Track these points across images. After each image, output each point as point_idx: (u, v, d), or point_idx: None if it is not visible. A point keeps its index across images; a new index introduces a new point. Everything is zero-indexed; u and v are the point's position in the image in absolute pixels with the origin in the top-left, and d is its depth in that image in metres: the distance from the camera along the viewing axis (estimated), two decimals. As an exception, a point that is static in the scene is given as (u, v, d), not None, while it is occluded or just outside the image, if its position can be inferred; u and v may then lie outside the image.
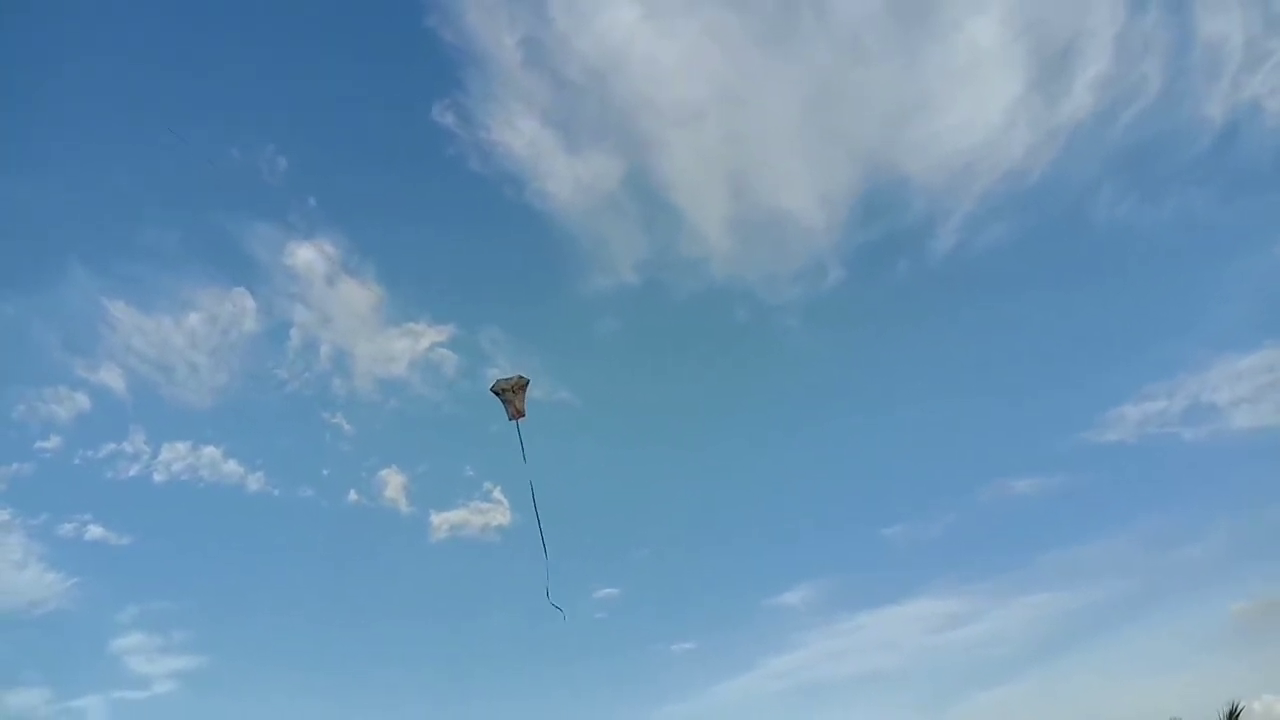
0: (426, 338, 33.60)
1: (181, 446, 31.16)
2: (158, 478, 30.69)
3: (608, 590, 33.14)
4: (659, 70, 34.83)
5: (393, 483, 32.91)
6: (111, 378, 30.83)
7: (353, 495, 32.44)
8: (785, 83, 35.18)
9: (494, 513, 33.42)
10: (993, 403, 36.03)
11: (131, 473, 30.48)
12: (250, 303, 32.52)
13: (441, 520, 33.05)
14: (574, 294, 36.52)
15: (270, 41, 35.13)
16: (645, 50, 34.58)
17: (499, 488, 33.51)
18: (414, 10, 33.89)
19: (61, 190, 31.92)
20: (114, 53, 33.39)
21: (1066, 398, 35.24)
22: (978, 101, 34.80)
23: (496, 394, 15.53)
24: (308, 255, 32.92)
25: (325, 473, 32.62)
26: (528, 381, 15.54)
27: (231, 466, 31.45)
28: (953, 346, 36.83)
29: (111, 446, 30.41)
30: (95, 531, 29.71)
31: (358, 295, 33.49)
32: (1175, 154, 34.24)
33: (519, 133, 34.62)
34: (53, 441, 29.72)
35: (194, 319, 31.83)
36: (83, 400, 30.30)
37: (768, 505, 35.76)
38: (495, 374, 34.24)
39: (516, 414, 15.56)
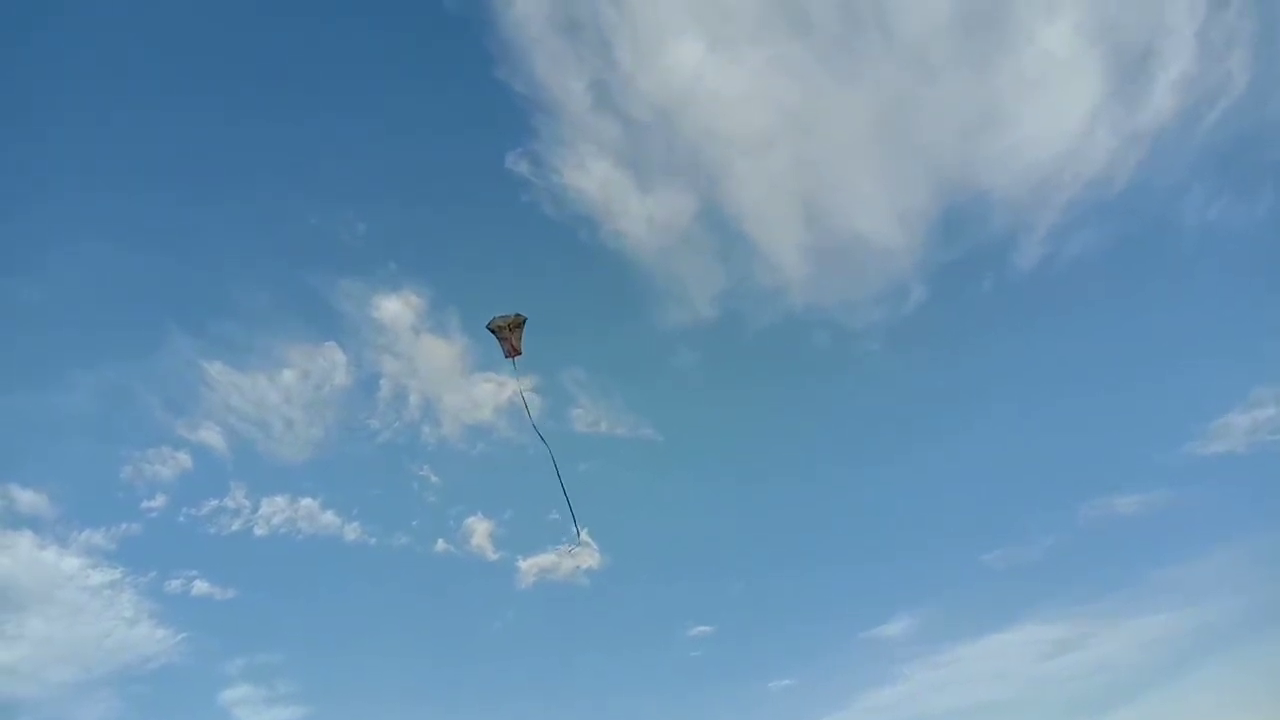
0: (509, 391, 33.81)
1: (280, 500, 31.91)
2: (258, 531, 31.43)
3: (702, 628, 32.73)
4: (726, 102, 34.93)
5: (479, 530, 33.12)
6: (211, 436, 31.74)
7: (441, 544, 32.69)
8: (854, 105, 34.99)
9: (583, 556, 33.30)
10: (1090, 417, 34.74)
11: (234, 528, 31.24)
12: (340, 356, 33.30)
13: (529, 565, 33.08)
14: (652, 330, 36.62)
15: (345, 105, 36.19)
16: (711, 84, 34.75)
17: (586, 530, 33.31)
18: (483, 63, 34.40)
19: (157, 257, 33.01)
20: (191, 122, 34.56)
21: (1169, 408, 33.85)
22: (1055, 111, 34.10)
23: (493, 331, 15.44)
24: (393, 308, 33.63)
25: (415, 523, 32.91)
26: (525, 319, 15.39)
27: (329, 517, 32.10)
28: (1044, 362, 35.84)
29: (214, 503, 31.22)
30: (201, 587, 30.45)
31: (442, 345, 34.04)
32: (1266, 150, 32.93)
33: (591, 175, 34.97)
34: (158, 501, 30.64)
35: (287, 375, 32.70)
36: (185, 459, 31.21)
37: (861, 534, 35.07)
38: (580, 414, 35.44)
39: (513, 351, 15.45)
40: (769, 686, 31.70)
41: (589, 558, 33.35)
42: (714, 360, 36.78)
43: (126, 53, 34.19)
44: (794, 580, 34.68)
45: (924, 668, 31.40)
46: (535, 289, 37.30)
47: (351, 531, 32.15)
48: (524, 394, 15.73)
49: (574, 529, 17.21)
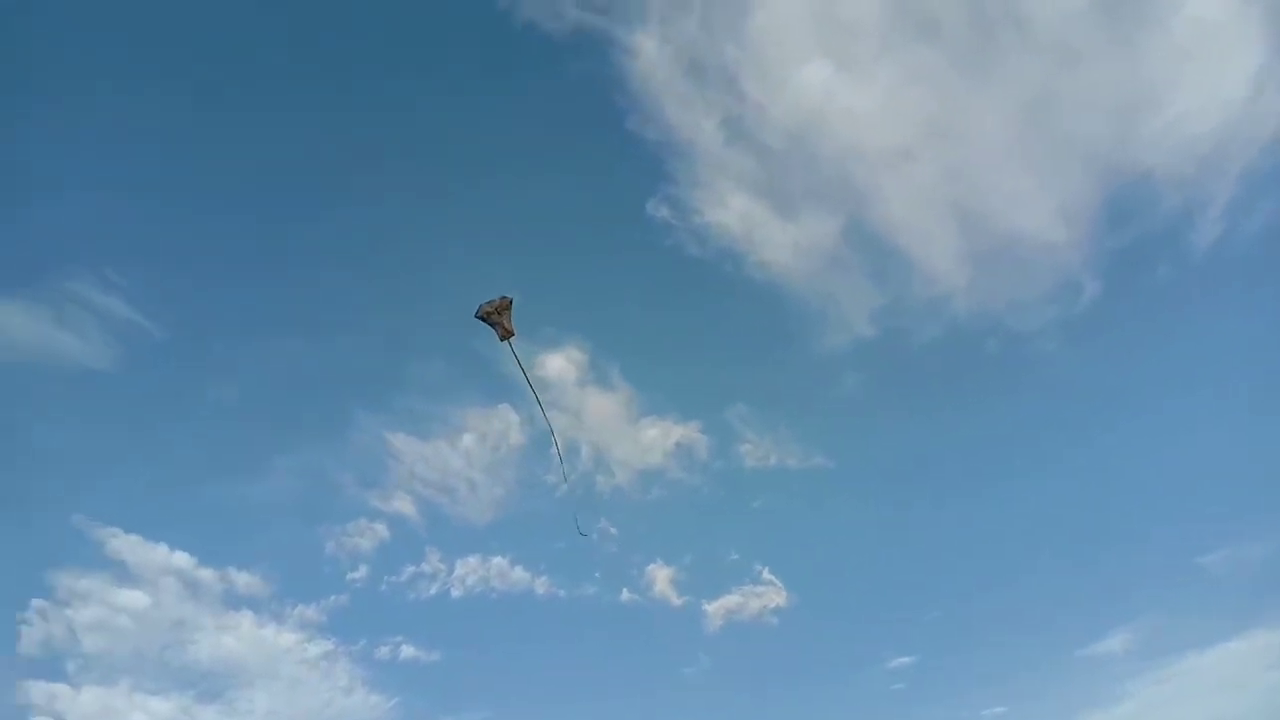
0: (676, 433, 34.08)
1: (473, 560, 32.88)
2: (455, 593, 32.42)
3: (902, 659, 31.68)
4: (861, 120, 34.56)
5: (660, 577, 33.10)
6: (403, 505, 33.07)
7: (625, 593, 32.83)
8: (996, 103, 34.00)
9: (768, 595, 32.85)
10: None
11: (432, 591, 32.32)
12: (514, 416, 34.27)
13: (716, 608, 32.81)
14: (812, 356, 36.19)
15: (490, 180, 37.64)
16: (843, 103, 34.47)
17: (767, 568, 33.06)
18: (615, 118, 35.27)
19: (336, 341, 35.04)
20: (356, 204, 36.63)
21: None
22: (1214, 79, 32.19)
23: (483, 319, 15.28)
24: (557, 364, 34.43)
25: (597, 574, 33.25)
26: (511, 300, 15.26)
27: (519, 573, 32.82)
28: (1236, 344, 33.32)
29: (411, 569, 32.42)
30: (408, 651, 31.50)
31: (606, 395, 34.61)
32: None
33: (730, 209, 35.21)
34: (361, 571, 32.01)
35: (467, 439, 33.86)
36: (382, 530, 32.60)
37: (1061, 546, 33.24)
38: (748, 449, 35.24)
39: (506, 334, 15.29)
40: (981, 715, 30.29)
41: (776, 596, 32.90)
42: (879, 380, 36.12)
43: (297, 151, 36.36)
44: (994, 601, 33.13)
45: (1147, 684, 29.59)
46: (687, 329, 37.70)
47: (541, 585, 32.79)
48: (527, 374, 15.60)
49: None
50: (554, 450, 16.78)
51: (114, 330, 31.55)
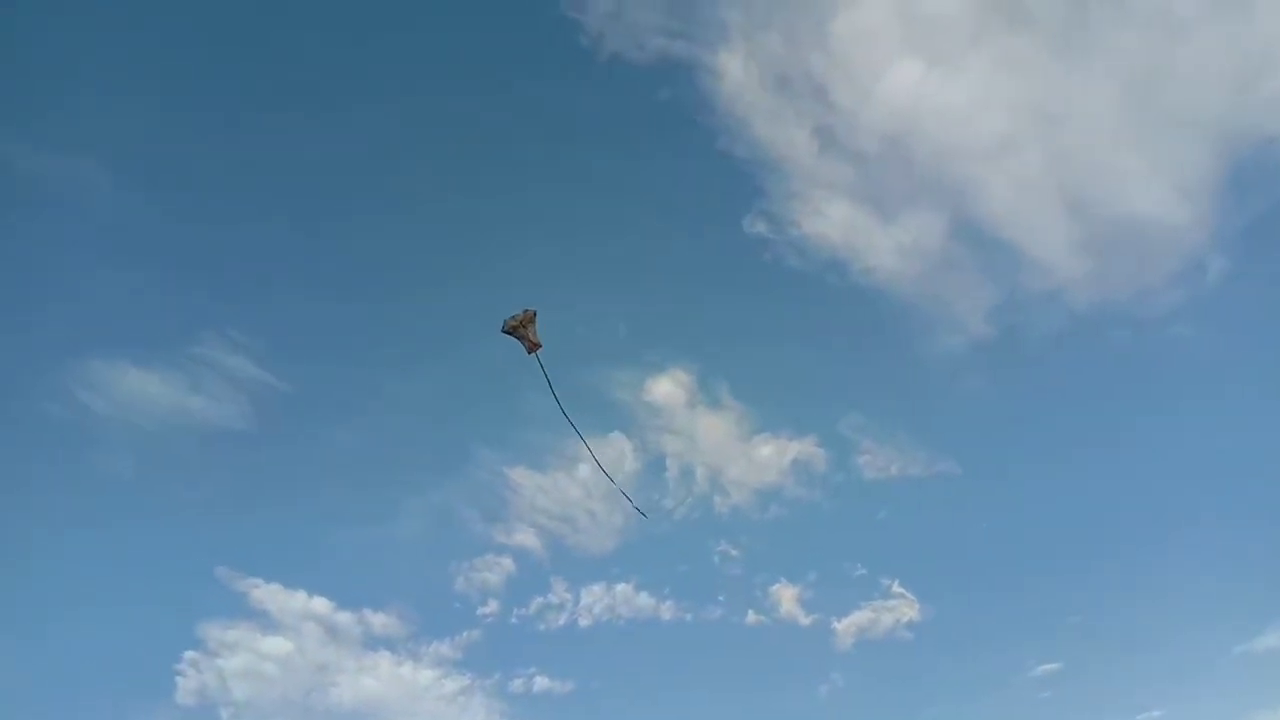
0: (791, 448, 33.63)
1: (597, 588, 32.95)
2: (583, 622, 32.52)
3: (1048, 665, 30.58)
4: (957, 114, 33.65)
5: (785, 596, 32.56)
6: (526, 538, 33.37)
7: (751, 615, 32.41)
8: (1099, 84, 32.71)
9: (900, 608, 32.01)
10: None
11: (560, 622, 32.47)
12: (626, 443, 34.30)
13: (845, 626, 32.07)
14: (926, 361, 35.25)
15: (585, 214, 37.98)
16: (937, 100, 33.64)
17: (896, 581, 32.25)
18: (705, 139, 35.13)
19: (454, 382, 35.56)
20: (448, 250, 37.45)
21: None
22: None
23: (509, 333, 14.89)
24: (665, 388, 34.35)
25: (721, 597, 32.91)
26: (535, 313, 14.83)
27: (644, 599, 32.73)
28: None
29: (539, 600, 32.63)
30: (542, 683, 31.68)
31: (716, 415, 34.35)
32: None
33: (829, 219, 34.55)
34: (491, 606, 32.35)
35: (583, 470, 33.93)
36: (508, 563, 32.94)
37: (1210, 536, 31.56)
38: (867, 460, 34.48)
39: (533, 346, 14.87)
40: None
41: (908, 609, 32.02)
42: (1000, 378, 34.97)
43: (400, 199, 37.50)
44: (1141, 599, 31.69)
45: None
46: (794, 342, 37.15)
47: (666, 611, 32.62)
48: (550, 383, 15.27)
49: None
50: (595, 460, 16.92)
51: (244, 389, 32.80)
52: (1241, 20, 31.23)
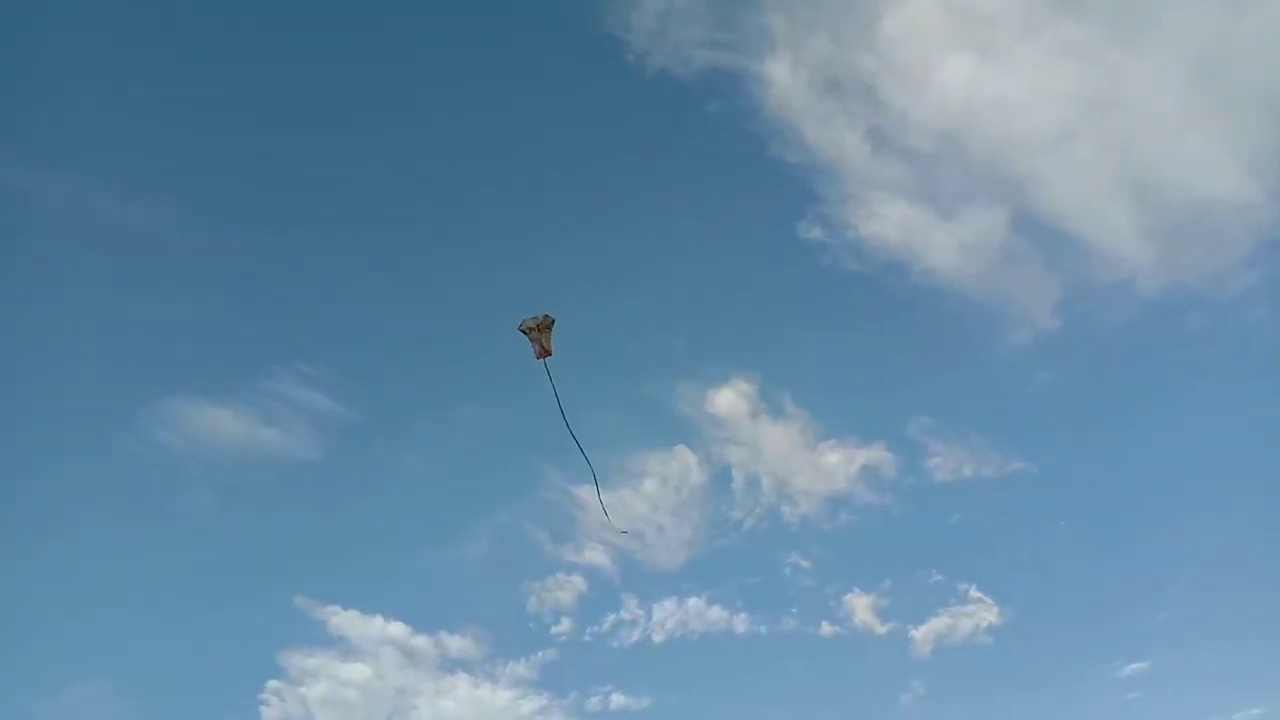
0: (858, 455, 33.23)
1: (669, 604, 32.75)
2: (656, 637, 32.35)
3: (1135, 665, 29.71)
4: (1013, 106, 33.06)
5: (860, 606, 32.06)
6: (596, 556, 33.36)
7: (826, 626, 31.96)
8: (1160, 67, 31.84)
9: (979, 613, 31.34)
10: None
11: (634, 638, 32.35)
12: (691, 456, 34.17)
13: (923, 633, 31.45)
14: (994, 359, 34.66)
15: (641, 222, 38.12)
16: (992, 92, 33.10)
17: (974, 586, 31.58)
18: (755, 148, 34.98)
19: (516, 401, 35.65)
20: (507, 268, 37.38)
21: None
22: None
23: (524, 333, 14.31)
24: (727, 399, 34.11)
25: (794, 609, 32.55)
26: (553, 320, 14.28)
27: (716, 612, 32.50)
28: None
29: (612, 618, 32.53)
30: (619, 700, 31.56)
31: (780, 424, 34.06)
32: None
33: (887, 220, 34.15)
34: (564, 625, 32.36)
35: (649, 485, 33.91)
36: (579, 582, 32.94)
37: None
38: (937, 463, 33.91)
39: (543, 352, 14.30)
40: (1233, 719, 28.05)
41: (987, 613, 31.37)
42: (1071, 373, 34.17)
43: (455, 219, 38.33)
44: (1230, 592, 30.48)
45: None
46: (855, 346, 36.61)
47: (740, 624, 32.35)
48: (556, 392, 14.88)
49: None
50: (590, 472, 16.16)
51: (314, 420, 33.37)
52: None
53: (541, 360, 14.67)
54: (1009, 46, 33.22)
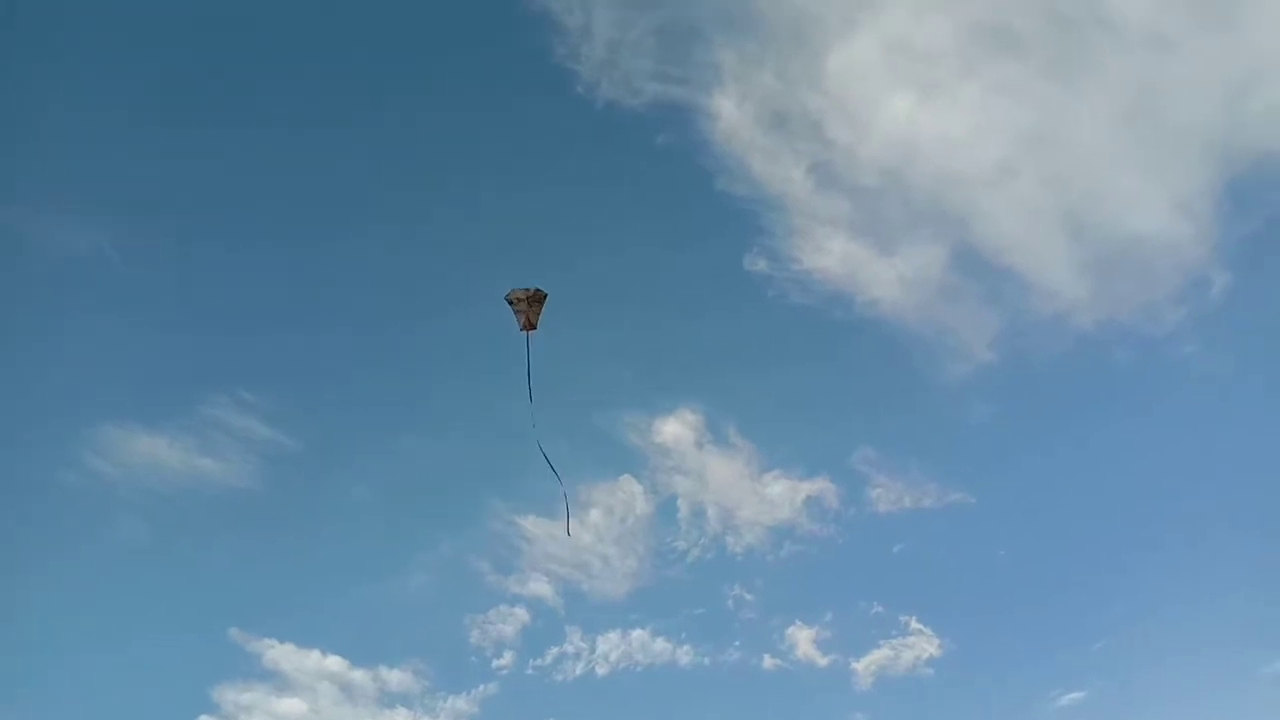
0: (802, 486, 33.49)
1: (613, 636, 32.54)
2: (600, 670, 32.08)
3: (1073, 694, 29.95)
4: (953, 143, 33.82)
5: (802, 638, 32.08)
6: (540, 587, 33.09)
7: (768, 659, 31.97)
8: (1094, 106, 32.86)
9: (919, 645, 31.51)
10: None
11: (578, 671, 32.04)
12: (636, 486, 34.18)
13: (864, 665, 31.52)
14: (934, 391, 35.03)
15: (585, 250, 38.05)
16: (932, 130, 33.87)
17: (914, 617, 31.78)
18: (702, 181, 35.30)
19: (464, 432, 35.73)
20: (449, 301, 37.19)
21: None
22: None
23: (510, 303, 14.38)
24: (674, 429, 34.24)
25: (737, 642, 32.50)
26: (546, 295, 14.31)
27: (660, 644, 32.34)
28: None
29: (555, 650, 32.24)
30: (562, 735, 31.40)
31: (725, 454, 34.26)
32: None
33: (830, 253, 34.57)
34: (506, 658, 31.98)
35: (594, 515, 33.83)
36: (522, 614, 32.62)
37: (1234, 555, 30.88)
38: (879, 494, 34.17)
39: (528, 326, 14.30)
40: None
41: (928, 645, 31.60)
42: (1008, 405, 34.62)
43: (403, 256, 37.75)
44: (1164, 622, 31.06)
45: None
46: (800, 378, 36.79)
47: (684, 655, 32.20)
48: (530, 384, 14.71)
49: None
50: (545, 458, 16.07)
51: (253, 449, 32.80)
52: (1231, 34, 31.41)
53: (525, 333, 14.43)
54: (949, 86, 34.05)
